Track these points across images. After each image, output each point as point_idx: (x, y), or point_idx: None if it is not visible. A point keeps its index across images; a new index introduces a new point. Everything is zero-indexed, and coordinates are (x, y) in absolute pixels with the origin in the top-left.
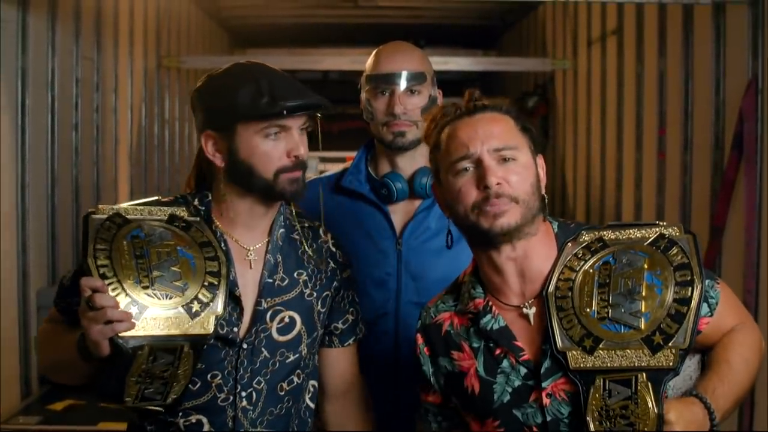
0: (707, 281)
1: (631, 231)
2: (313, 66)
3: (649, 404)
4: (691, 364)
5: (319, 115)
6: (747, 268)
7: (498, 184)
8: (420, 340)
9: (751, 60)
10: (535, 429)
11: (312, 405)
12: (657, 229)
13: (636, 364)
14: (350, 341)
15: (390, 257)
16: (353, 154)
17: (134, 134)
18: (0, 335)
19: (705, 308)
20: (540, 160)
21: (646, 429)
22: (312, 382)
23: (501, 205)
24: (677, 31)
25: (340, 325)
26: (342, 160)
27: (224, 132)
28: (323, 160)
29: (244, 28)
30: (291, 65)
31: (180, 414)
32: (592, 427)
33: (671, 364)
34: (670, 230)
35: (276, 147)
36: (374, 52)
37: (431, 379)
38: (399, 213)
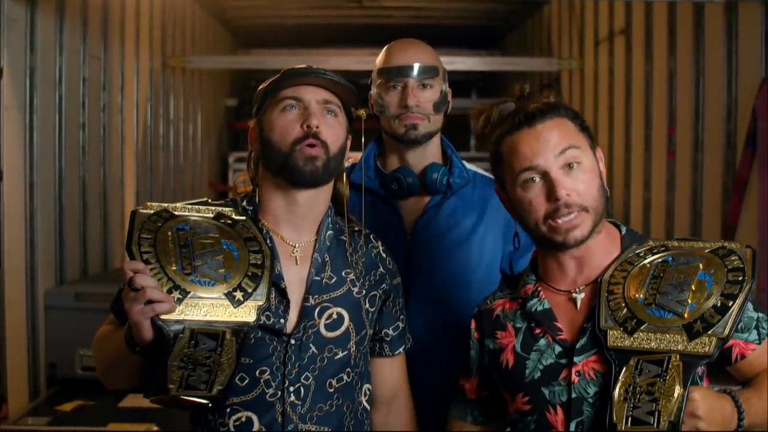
0: (761, 314)
1: (695, 243)
2: (317, 66)
3: (676, 383)
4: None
5: (363, 116)
6: (761, 266)
7: (567, 195)
8: (473, 324)
9: (764, 58)
10: (559, 407)
11: (368, 407)
12: (720, 243)
13: (671, 348)
14: (400, 350)
15: (399, 254)
16: (359, 154)
17: (140, 134)
18: (7, 335)
19: (754, 335)
20: (599, 153)
21: (668, 405)
22: (367, 385)
23: (573, 220)
24: (687, 30)
25: (391, 332)
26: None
27: (258, 116)
28: None
29: (248, 28)
30: (295, 66)
31: (228, 412)
32: (615, 401)
33: (707, 350)
34: (733, 245)
35: (290, 118)
36: (386, 47)
37: (475, 363)
38: (408, 209)
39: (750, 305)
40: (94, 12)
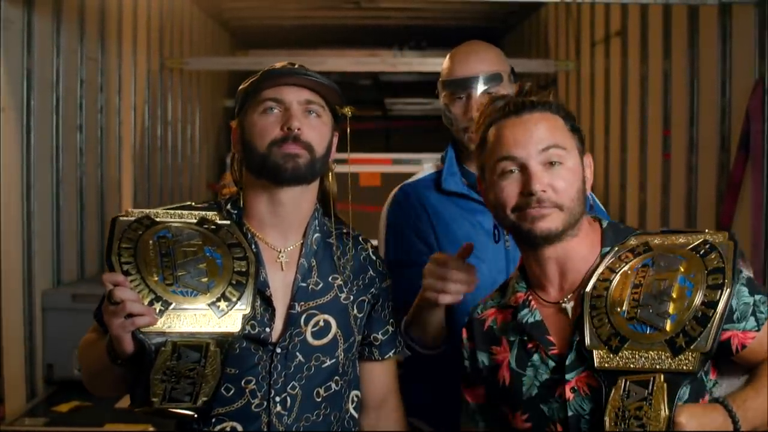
0: (758, 296)
1: (677, 237)
2: (315, 67)
3: (662, 406)
4: (740, 383)
5: (349, 114)
6: (754, 267)
7: (543, 191)
8: (465, 334)
9: (758, 61)
10: (558, 425)
11: (356, 415)
12: (702, 236)
13: (657, 366)
14: (390, 354)
15: (499, 255)
16: (355, 156)
17: (137, 135)
18: (4, 337)
19: (752, 322)
20: (588, 160)
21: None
22: (355, 392)
23: (542, 209)
24: (682, 32)
25: (380, 336)
26: (343, 161)
27: (239, 117)
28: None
29: (246, 29)
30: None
31: (214, 422)
32: (607, 427)
33: (691, 367)
34: (715, 237)
35: (270, 120)
36: (449, 55)
37: (470, 371)
38: None
39: (745, 290)
40: (92, 13)
